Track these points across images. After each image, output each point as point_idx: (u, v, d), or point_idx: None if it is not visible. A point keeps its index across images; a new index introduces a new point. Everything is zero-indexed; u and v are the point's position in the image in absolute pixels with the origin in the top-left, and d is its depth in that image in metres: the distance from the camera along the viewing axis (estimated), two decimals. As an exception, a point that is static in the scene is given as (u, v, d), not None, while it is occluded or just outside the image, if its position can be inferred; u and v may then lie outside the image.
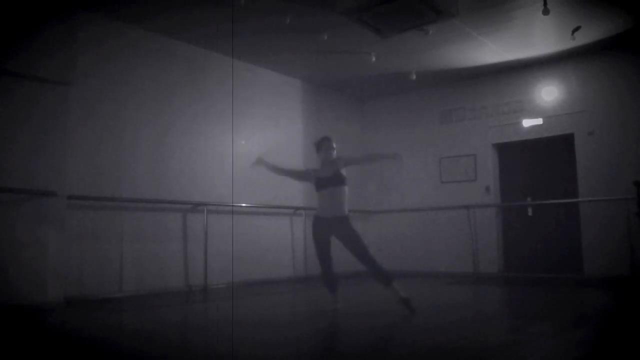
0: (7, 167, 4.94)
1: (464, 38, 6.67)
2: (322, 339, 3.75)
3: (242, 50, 6.98)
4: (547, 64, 7.62)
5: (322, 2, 5.60)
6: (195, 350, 3.29)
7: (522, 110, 7.90)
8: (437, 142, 8.68)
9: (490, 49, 7.10)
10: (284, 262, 7.64)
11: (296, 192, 7.60)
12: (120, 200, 5.82)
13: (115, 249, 5.77)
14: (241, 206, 7.06)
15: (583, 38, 6.66)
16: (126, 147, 6.02)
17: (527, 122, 7.84)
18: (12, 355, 3.09)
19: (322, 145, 4.69)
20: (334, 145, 4.68)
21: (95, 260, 5.56)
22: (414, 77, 7.86)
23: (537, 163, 7.92)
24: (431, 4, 5.45)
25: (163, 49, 6.51)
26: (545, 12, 5.63)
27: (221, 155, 6.97)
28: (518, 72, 7.90)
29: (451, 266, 8.13)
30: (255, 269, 7.06)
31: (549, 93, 7.67)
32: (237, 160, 7.16)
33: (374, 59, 7.15)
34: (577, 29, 6.36)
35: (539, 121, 7.74)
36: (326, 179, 4.53)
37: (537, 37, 6.73)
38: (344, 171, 4.57)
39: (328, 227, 4.49)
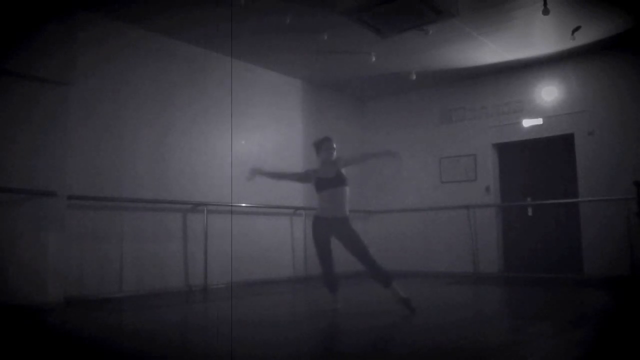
0: (7, 167, 4.94)
1: (464, 38, 6.67)
2: (322, 339, 3.75)
3: (242, 50, 6.98)
4: (547, 64, 7.63)
5: (322, 2, 5.60)
6: (195, 350, 3.29)
7: (522, 110, 7.90)
8: (437, 142, 8.68)
9: (490, 49, 7.10)
10: (284, 262, 7.64)
11: (296, 192, 7.60)
12: (120, 200, 5.82)
13: (115, 249, 5.77)
14: (241, 206, 7.06)
15: (583, 38, 6.66)
16: (126, 147, 6.02)
17: (527, 122, 7.84)
18: (12, 355, 3.09)
19: (322, 145, 4.67)
20: (334, 146, 4.67)
21: (95, 260, 5.56)
22: (414, 77, 7.86)
23: (537, 163, 7.92)
24: (431, 4, 5.45)
25: (163, 49, 6.51)
26: (545, 12, 5.63)
27: (221, 155, 6.97)
28: (518, 72, 7.90)
29: (451, 266, 8.13)
30: (255, 269, 7.07)
31: (549, 93, 7.68)
32: (237, 160, 7.16)
33: (374, 59, 7.15)
34: (577, 29, 6.36)
35: (539, 121, 7.74)
36: (328, 180, 4.52)
37: (537, 37, 6.73)
38: (344, 171, 4.57)
39: (328, 227, 4.49)
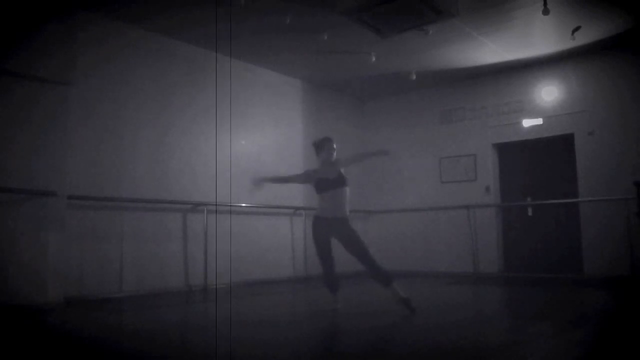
0: (7, 167, 4.94)
1: (464, 38, 6.67)
2: (322, 339, 3.75)
3: (242, 50, 6.98)
4: (547, 64, 7.63)
5: (322, 2, 5.60)
6: (195, 350, 3.29)
7: (522, 110, 7.90)
8: (437, 142, 8.68)
9: (490, 49, 7.10)
10: (284, 262, 7.64)
11: (296, 192, 7.60)
12: (120, 200, 5.82)
13: (115, 249, 5.77)
14: (241, 206, 7.06)
15: (583, 38, 6.66)
16: (126, 147, 6.02)
17: (527, 122, 7.84)
18: (12, 355, 3.09)
19: (323, 145, 4.65)
20: (335, 146, 4.66)
21: (95, 260, 5.56)
22: (414, 77, 7.86)
23: (537, 163, 7.92)
24: (431, 4, 5.45)
25: (163, 49, 6.51)
26: (545, 12, 5.63)
27: (221, 155, 6.96)
28: (518, 72, 7.90)
29: (451, 266, 8.13)
30: (255, 269, 7.07)
31: (549, 93, 7.68)
32: (236, 160, 7.16)
33: (374, 59, 7.15)
34: (577, 29, 6.36)
35: (539, 121, 7.74)
36: (329, 181, 4.52)
37: (537, 37, 6.73)
38: (343, 172, 4.57)
39: (328, 227, 4.49)
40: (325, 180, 4.53)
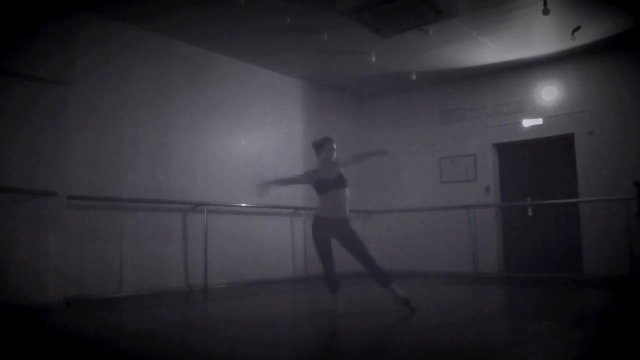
0: (7, 167, 4.94)
1: (464, 38, 6.67)
2: (322, 339, 3.75)
3: (242, 50, 6.98)
4: (547, 64, 7.63)
5: (322, 2, 5.60)
6: (195, 350, 3.29)
7: (522, 110, 7.90)
8: (437, 142, 8.68)
9: (490, 49, 7.10)
10: (284, 262, 7.64)
11: (296, 192, 7.60)
12: (120, 200, 5.82)
13: (115, 249, 5.77)
14: (241, 206, 7.06)
15: (583, 38, 6.66)
16: (126, 147, 6.02)
17: (527, 122, 7.84)
18: (12, 355, 3.09)
19: (323, 146, 4.64)
20: (335, 147, 4.66)
21: (95, 260, 5.56)
22: (414, 77, 7.86)
23: (537, 163, 7.92)
24: (431, 4, 5.45)
25: (163, 49, 6.51)
26: (545, 12, 5.63)
27: (221, 155, 6.97)
28: (518, 72, 7.90)
29: (451, 266, 8.13)
30: (255, 269, 7.07)
31: (549, 93, 7.68)
32: (237, 160, 7.17)
33: (374, 59, 7.15)
34: (577, 29, 6.37)
35: (539, 121, 7.74)
36: (329, 182, 4.51)
37: (537, 37, 6.73)
38: (343, 172, 4.57)
39: (328, 227, 4.49)
40: (325, 181, 4.53)
